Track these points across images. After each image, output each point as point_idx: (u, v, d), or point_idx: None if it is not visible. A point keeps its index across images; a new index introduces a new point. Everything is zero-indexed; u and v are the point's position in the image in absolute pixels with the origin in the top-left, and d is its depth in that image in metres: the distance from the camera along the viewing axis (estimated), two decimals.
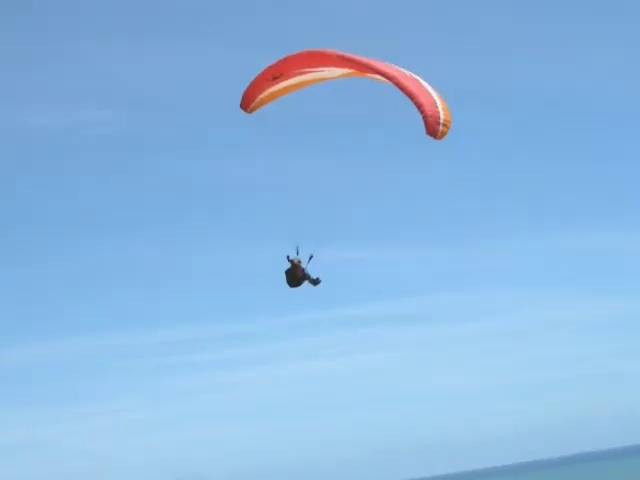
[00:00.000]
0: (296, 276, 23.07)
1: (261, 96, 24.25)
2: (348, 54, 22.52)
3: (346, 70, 23.21)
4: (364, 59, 22.37)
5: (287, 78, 23.91)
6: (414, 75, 22.45)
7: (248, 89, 24.15)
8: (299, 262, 23.05)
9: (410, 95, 21.67)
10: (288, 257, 23.05)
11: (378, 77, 22.36)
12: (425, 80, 22.56)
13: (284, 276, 23.23)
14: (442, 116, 21.71)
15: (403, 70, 22.44)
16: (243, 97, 24.24)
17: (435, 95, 22.07)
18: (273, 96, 24.39)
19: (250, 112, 24.45)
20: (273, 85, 24.06)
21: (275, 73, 23.77)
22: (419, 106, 21.54)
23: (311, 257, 23.19)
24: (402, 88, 21.77)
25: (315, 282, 23.42)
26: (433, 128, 21.52)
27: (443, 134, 21.76)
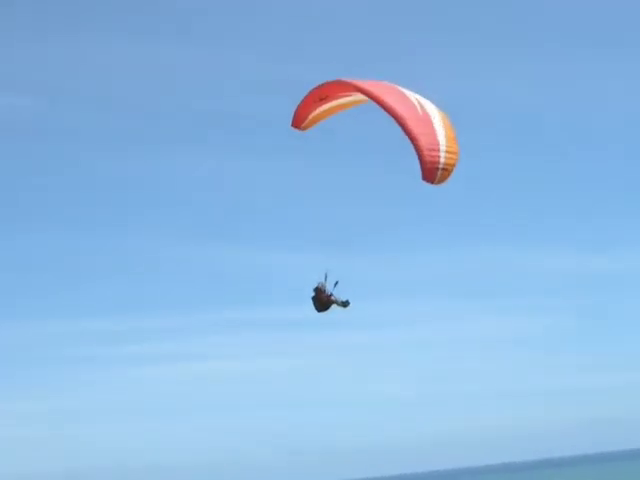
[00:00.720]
0: (321, 301, 23.87)
1: (312, 115, 24.80)
2: (367, 86, 22.42)
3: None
4: (380, 94, 22.14)
5: (333, 99, 24.24)
6: (425, 105, 21.91)
7: (298, 109, 24.71)
8: (322, 286, 23.82)
9: (412, 138, 21.33)
10: (318, 284, 23.90)
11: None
12: (439, 106, 22.13)
13: (311, 302, 24.14)
14: (443, 160, 21.22)
15: (415, 104, 21.94)
16: (294, 116, 24.86)
17: (442, 134, 21.51)
18: (326, 114, 24.85)
19: (303, 130, 25.10)
20: (321, 105, 24.51)
21: (321, 95, 24.18)
22: (418, 150, 21.20)
23: (336, 283, 23.87)
24: (406, 130, 21.45)
25: (344, 304, 24.11)
26: (430, 174, 21.15)
27: (442, 178, 21.32)
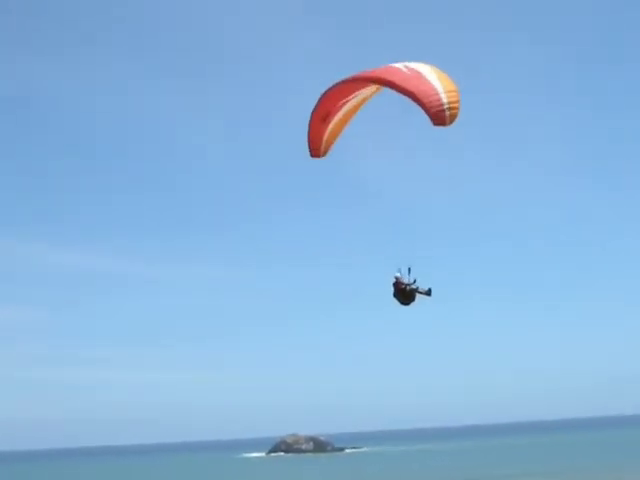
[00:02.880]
0: (404, 292, 23.39)
1: (325, 139, 24.81)
2: (351, 78, 22.60)
3: (368, 88, 23.21)
4: (365, 75, 22.33)
5: (335, 114, 24.33)
6: (412, 65, 21.90)
7: (309, 138, 24.75)
8: (397, 278, 23.45)
9: (409, 94, 21.29)
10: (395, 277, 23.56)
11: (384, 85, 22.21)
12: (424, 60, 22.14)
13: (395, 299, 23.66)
14: (445, 100, 21.06)
15: (401, 68, 21.97)
16: (311, 147, 24.82)
17: (436, 79, 21.45)
18: (335, 133, 24.86)
19: (322, 156, 25.09)
20: (327, 125, 24.56)
21: (322, 114, 24.28)
22: (418, 100, 21.11)
23: (409, 270, 23.48)
24: (401, 90, 21.45)
25: (428, 293, 23.59)
26: (438, 117, 20.98)
27: (452, 118, 21.08)
